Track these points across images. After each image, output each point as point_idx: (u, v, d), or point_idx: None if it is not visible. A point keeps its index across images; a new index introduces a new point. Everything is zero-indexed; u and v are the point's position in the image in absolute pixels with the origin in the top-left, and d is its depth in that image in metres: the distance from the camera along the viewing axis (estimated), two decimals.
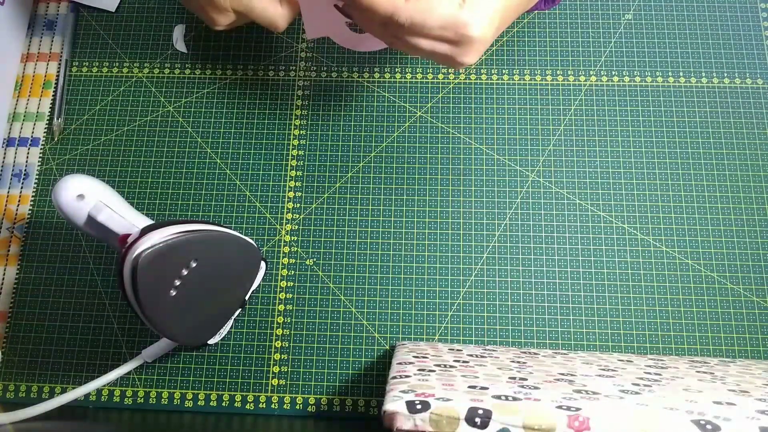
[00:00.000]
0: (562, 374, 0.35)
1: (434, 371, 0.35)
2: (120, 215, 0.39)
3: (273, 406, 0.45)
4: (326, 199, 0.50)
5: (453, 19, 0.34)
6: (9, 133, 0.53)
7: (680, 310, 0.47)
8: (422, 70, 0.53)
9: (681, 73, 0.52)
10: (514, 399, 0.28)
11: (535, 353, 0.43)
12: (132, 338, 0.47)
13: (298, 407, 0.45)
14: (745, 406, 0.29)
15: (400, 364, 0.37)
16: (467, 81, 0.53)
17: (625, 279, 0.47)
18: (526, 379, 0.33)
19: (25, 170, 0.52)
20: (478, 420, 0.27)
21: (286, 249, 0.49)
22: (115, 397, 0.46)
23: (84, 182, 0.39)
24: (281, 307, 0.48)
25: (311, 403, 0.46)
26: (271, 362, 0.46)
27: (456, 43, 0.35)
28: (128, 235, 0.36)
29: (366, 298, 0.48)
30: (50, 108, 0.53)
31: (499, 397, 0.29)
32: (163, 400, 0.46)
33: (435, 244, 0.49)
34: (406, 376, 0.33)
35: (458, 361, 0.38)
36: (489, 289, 0.48)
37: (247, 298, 0.45)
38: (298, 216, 0.50)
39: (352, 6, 0.34)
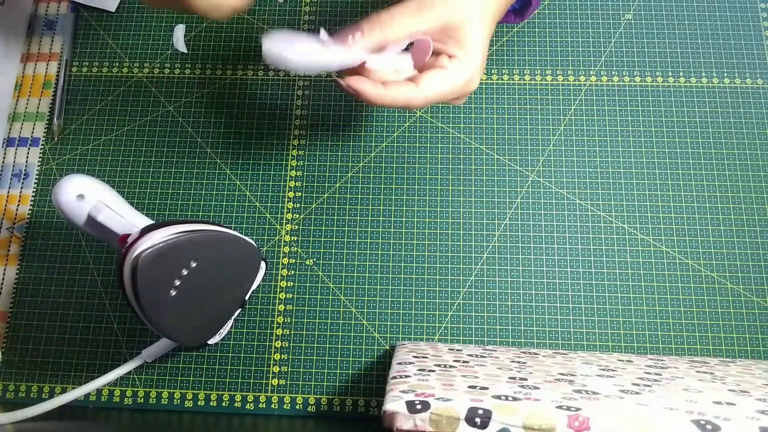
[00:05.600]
0: (562, 374, 0.35)
1: (434, 371, 0.35)
2: (120, 215, 0.39)
3: (273, 406, 0.45)
4: (326, 199, 0.50)
5: (459, 84, 0.37)
6: (9, 133, 0.53)
7: (680, 310, 0.47)
8: None
9: (681, 73, 0.52)
10: (514, 399, 0.28)
11: (535, 353, 0.43)
12: (132, 338, 0.47)
13: (298, 407, 0.45)
14: (745, 406, 0.29)
15: (400, 364, 0.37)
16: None
17: (625, 279, 0.47)
18: (526, 379, 0.33)
19: (25, 170, 0.52)
20: (478, 420, 0.27)
21: (286, 249, 0.49)
22: (115, 397, 0.46)
23: (84, 182, 0.39)
24: (281, 307, 0.48)
25: (311, 403, 0.46)
26: (271, 362, 0.46)
27: (459, 97, 0.39)
28: (128, 235, 0.36)
29: (366, 298, 0.48)
30: (50, 108, 0.53)
31: (499, 397, 0.29)
32: (163, 400, 0.46)
33: (435, 244, 0.49)
34: (406, 376, 0.33)
35: (458, 361, 0.38)
36: (489, 289, 0.48)
37: (247, 298, 0.45)
38: (298, 216, 0.50)
39: (366, 101, 0.37)
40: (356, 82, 0.36)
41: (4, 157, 0.52)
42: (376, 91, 0.36)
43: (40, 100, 0.54)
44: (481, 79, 0.53)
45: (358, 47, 0.36)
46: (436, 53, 0.38)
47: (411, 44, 0.38)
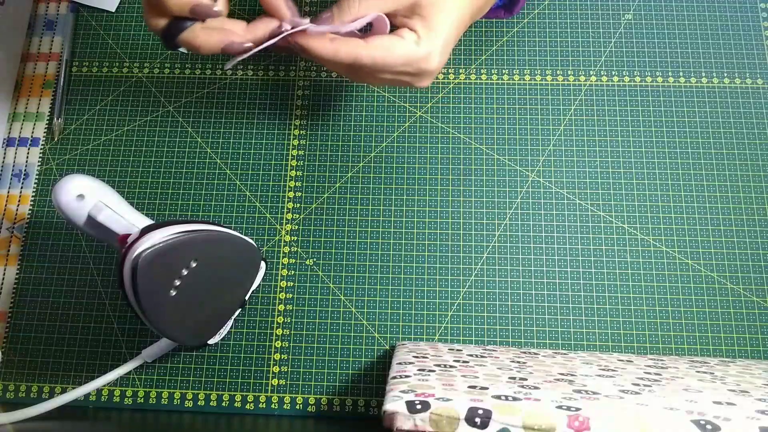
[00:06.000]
0: (562, 374, 0.35)
1: (434, 371, 0.35)
2: (120, 215, 0.39)
3: (273, 406, 0.45)
4: (326, 199, 0.50)
5: (413, 56, 0.37)
6: (9, 133, 0.53)
7: (680, 310, 0.47)
8: None
9: (681, 73, 0.52)
10: (514, 399, 0.28)
11: (535, 353, 0.43)
12: (132, 338, 0.47)
13: (298, 407, 0.45)
14: (745, 406, 0.29)
15: (400, 364, 0.37)
16: (467, 81, 0.53)
17: (625, 279, 0.47)
18: (526, 379, 0.33)
19: (25, 170, 0.52)
20: (478, 420, 0.27)
21: (286, 249, 0.49)
22: (115, 397, 0.46)
23: (84, 182, 0.39)
24: (281, 307, 0.48)
25: (311, 403, 0.46)
26: (271, 362, 0.46)
27: (415, 74, 0.38)
28: (128, 235, 0.36)
29: (366, 298, 0.48)
30: (50, 108, 0.53)
31: (499, 397, 0.29)
32: (163, 400, 0.46)
33: (435, 244, 0.49)
34: (406, 376, 0.33)
35: (458, 361, 0.38)
36: (489, 289, 0.48)
37: (247, 298, 0.45)
38: (298, 216, 0.50)
39: (315, 58, 0.37)
40: (301, 38, 0.36)
41: (4, 157, 0.52)
42: (323, 43, 0.36)
43: (40, 100, 0.54)
44: (481, 79, 0.53)
45: (328, 28, 0.36)
46: (399, 27, 0.37)
47: (371, 24, 0.38)
